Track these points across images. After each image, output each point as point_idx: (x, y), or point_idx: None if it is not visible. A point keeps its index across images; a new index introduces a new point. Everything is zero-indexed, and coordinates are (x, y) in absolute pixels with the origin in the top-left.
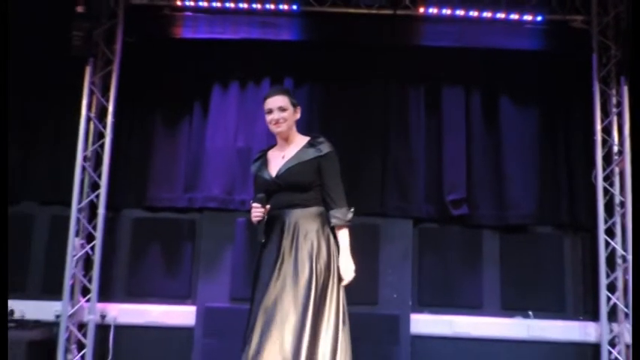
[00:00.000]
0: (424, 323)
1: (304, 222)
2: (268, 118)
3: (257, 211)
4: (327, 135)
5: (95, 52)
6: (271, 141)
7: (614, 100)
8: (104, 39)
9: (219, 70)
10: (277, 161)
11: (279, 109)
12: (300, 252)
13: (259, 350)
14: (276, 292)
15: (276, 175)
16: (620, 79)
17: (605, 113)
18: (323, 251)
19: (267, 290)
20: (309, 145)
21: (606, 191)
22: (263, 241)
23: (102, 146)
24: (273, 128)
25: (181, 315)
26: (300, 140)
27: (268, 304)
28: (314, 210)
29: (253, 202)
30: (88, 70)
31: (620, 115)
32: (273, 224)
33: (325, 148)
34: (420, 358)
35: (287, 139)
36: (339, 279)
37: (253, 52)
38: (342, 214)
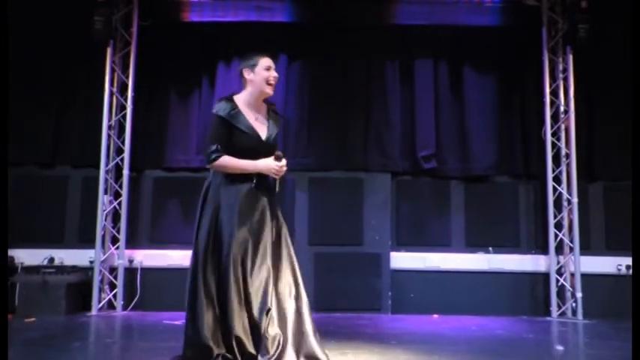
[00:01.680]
0: (402, 259)
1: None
2: (271, 74)
3: (284, 167)
4: (318, 103)
5: (114, 35)
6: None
7: (560, 67)
8: (122, 23)
9: (222, 49)
10: (254, 122)
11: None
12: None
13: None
14: (266, 237)
15: (266, 139)
16: (566, 48)
17: (553, 78)
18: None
19: (261, 233)
20: (274, 112)
21: (554, 145)
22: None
23: (124, 116)
24: (268, 88)
25: None
26: (262, 103)
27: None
28: None
29: (275, 159)
30: (108, 51)
31: (566, 79)
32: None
33: (280, 116)
34: (398, 288)
35: (260, 102)
36: None
37: (251, 33)
38: None
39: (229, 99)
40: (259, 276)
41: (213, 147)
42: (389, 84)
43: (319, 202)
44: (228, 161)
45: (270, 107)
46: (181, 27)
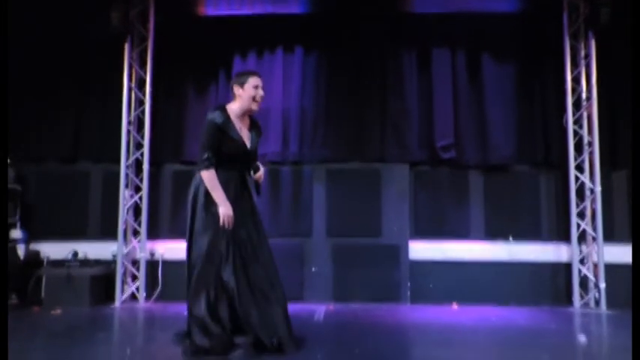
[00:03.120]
0: (420, 250)
1: (249, 184)
2: (258, 93)
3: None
4: (334, 95)
5: (132, 31)
6: (287, 103)
7: (582, 53)
8: (139, 18)
9: (238, 42)
10: (240, 133)
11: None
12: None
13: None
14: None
15: (250, 148)
16: (588, 33)
17: (575, 65)
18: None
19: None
20: (256, 126)
21: (575, 133)
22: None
23: (143, 111)
24: (255, 106)
25: None
26: (246, 116)
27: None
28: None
29: (254, 170)
30: (126, 47)
31: (588, 65)
32: (238, 183)
33: (260, 130)
34: (417, 279)
35: (247, 116)
36: None
37: (267, 25)
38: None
39: (223, 108)
40: (250, 269)
41: (207, 155)
42: (406, 74)
43: (337, 194)
44: (212, 179)
45: (253, 120)
46: (197, 21)
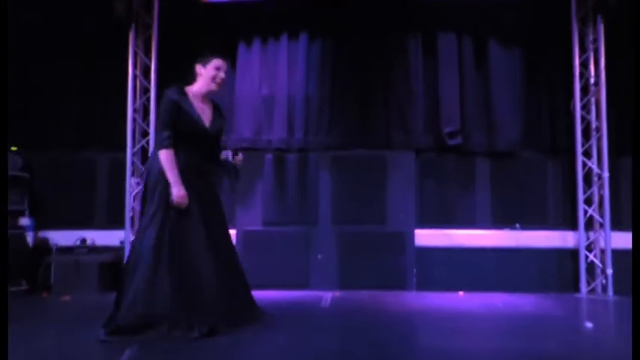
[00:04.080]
0: (426, 237)
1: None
2: (219, 74)
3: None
4: (339, 81)
5: (136, 19)
6: (292, 91)
7: (591, 37)
8: (143, 6)
9: (242, 29)
10: (199, 112)
11: (225, 73)
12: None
13: None
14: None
15: (210, 128)
16: (596, 17)
17: (583, 49)
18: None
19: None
20: (217, 109)
21: (583, 118)
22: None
23: (148, 99)
24: (215, 86)
25: None
26: (208, 99)
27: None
28: None
29: (233, 154)
30: (131, 34)
31: (596, 50)
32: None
33: (224, 117)
34: (423, 266)
35: (207, 97)
36: None
37: (271, 12)
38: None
39: (180, 87)
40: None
41: (166, 134)
42: (411, 60)
43: (342, 182)
44: (169, 159)
45: (216, 105)
46: (201, 8)
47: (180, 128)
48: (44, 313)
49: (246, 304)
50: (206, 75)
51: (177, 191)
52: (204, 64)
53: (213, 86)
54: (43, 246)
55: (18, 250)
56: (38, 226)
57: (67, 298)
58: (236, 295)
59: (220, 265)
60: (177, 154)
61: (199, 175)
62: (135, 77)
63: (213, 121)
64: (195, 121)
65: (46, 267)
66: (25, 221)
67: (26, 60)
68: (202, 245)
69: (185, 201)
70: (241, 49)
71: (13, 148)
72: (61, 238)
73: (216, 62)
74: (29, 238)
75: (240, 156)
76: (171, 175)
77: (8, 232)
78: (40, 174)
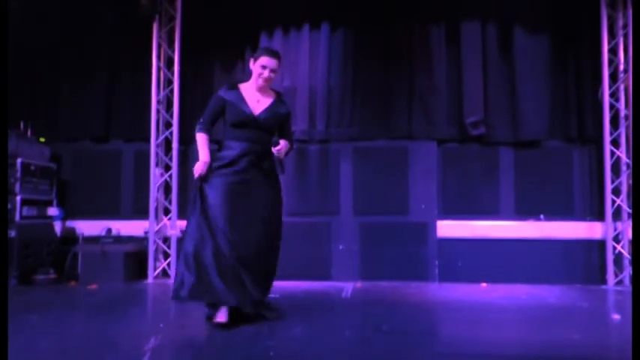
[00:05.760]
0: (448, 228)
1: (268, 154)
2: (264, 73)
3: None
4: (361, 71)
5: (160, 11)
6: (314, 82)
7: (620, 23)
8: None
9: (264, 20)
10: (254, 103)
11: (272, 71)
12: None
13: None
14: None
15: (259, 115)
16: (627, 2)
17: (612, 35)
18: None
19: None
20: (280, 101)
21: (612, 106)
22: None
23: (171, 91)
24: (261, 82)
25: None
26: (270, 92)
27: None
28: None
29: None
30: (154, 26)
31: (626, 36)
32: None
33: (288, 107)
34: (445, 257)
35: (262, 90)
36: None
37: (293, 2)
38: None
39: (233, 84)
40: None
41: (201, 120)
42: (434, 49)
43: (364, 172)
44: (200, 140)
45: (279, 96)
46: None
47: (230, 119)
48: (72, 302)
49: (248, 296)
50: (255, 71)
51: (198, 164)
52: (254, 60)
53: (260, 82)
54: (70, 236)
55: (47, 239)
56: (66, 215)
57: (93, 286)
58: (236, 284)
59: (230, 249)
60: (230, 143)
61: (253, 165)
62: (159, 69)
63: (266, 110)
64: (242, 111)
65: (73, 256)
66: (53, 211)
67: (53, 53)
68: (216, 226)
69: (200, 169)
70: (263, 40)
71: (42, 140)
72: (88, 228)
73: (263, 60)
74: (57, 227)
75: (279, 147)
76: (200, 151)
77: (38, 222)
78: (67, 165)
